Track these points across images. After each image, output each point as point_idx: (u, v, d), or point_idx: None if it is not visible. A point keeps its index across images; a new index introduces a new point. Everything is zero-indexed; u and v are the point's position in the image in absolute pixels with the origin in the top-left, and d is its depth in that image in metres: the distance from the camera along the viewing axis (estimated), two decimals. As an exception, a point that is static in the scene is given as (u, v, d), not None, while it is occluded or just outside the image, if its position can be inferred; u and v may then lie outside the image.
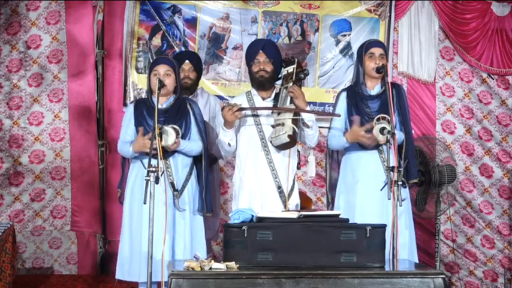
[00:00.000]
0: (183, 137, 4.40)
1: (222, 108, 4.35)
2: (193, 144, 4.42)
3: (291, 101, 4.29)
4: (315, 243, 3.47)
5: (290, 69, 4.41)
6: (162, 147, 4.15)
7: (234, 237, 3.47)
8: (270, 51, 4.44)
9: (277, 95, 4.44)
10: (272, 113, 4.39)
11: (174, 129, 4.29)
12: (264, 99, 4.46)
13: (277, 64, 4.45)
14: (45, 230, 6.03)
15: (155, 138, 4.00)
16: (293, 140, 4.24)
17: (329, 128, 4.63)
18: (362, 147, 4.42)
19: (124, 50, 6.14)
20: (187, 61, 5.02)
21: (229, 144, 4.40)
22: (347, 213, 4.26)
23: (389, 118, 4.22)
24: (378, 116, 4.37)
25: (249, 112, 4.41)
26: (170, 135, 4.24)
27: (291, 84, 4.34)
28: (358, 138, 4.37)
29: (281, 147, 4.33)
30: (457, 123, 6.56)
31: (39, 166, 6.01)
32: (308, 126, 4.35)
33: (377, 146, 4.40)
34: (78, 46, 6.05)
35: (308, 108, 4.37)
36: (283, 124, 4.25)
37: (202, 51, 6.27)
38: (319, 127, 4.57)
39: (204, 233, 4.55)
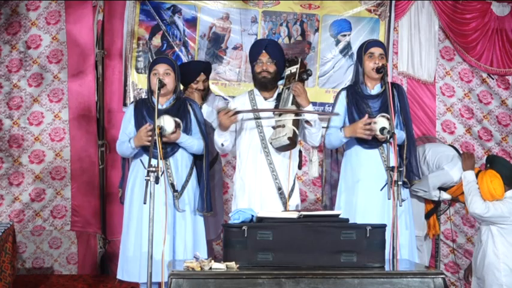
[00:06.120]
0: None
1: (218, 112, 4.35)
2: (195, 140, 4.41)
3: (293, 101, 4.29)
4: (315, 243, 3.47)
5: (293, 69, 4.40)
6: (163, 136, 4.15)
7: (234, 237, 3.46)
8: (273, 51, 4.43)
9: (279, 95, 4.44)
10: (274, 114, 4.38)
11: (175, 121, 4.28)
12: (266, 99, 4.46)
13: (280, 64, 4.44)
14: (45, 230, 6.03)
15: (155, 137, 4.00)
16: (293, 142, 4.23)
17: (326, 127, 4.62)
18: (360, 143, 4.42)
19: (124, 50, 6.15)
20: (202, 73, 5.12)
21: (222, 145, 4.42)
22: (347, 212, 4.27)
23: (389, 116, 4.23)
24: (380, 114, 4.36)
25: (250, 114, 4.39)
26: (169, 125, 4.21)
27: (293, 84, 4.33)
28: (356, 131, 4.33)
29: (281, 149, 4.32)
30: (457, 123, 6.57)
31: (39, 166, 6.01)
32: (311, 125, 4.34)
33: (378, 145, 4.39)
34: (78, 46, 6.05)
35: (310, 106, 4.36)
36: (283, 126, 4.24)
37: (202, 51, 6.27)
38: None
39: (205, 234, 4.55)
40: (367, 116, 4.32)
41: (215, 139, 4.44)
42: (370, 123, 4.29)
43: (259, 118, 4.40)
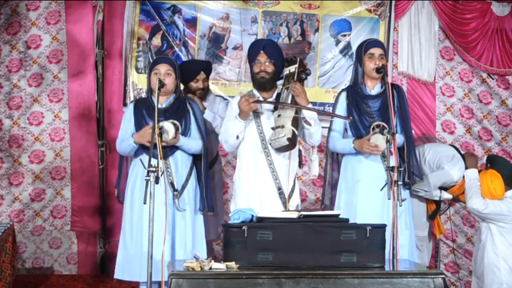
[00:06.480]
0: (183, 135, 4.40)
1: (240, 98, 4.33)
2: (193, 142, 4.42)
3: (292, 101, 4.28)
4: (315, 243, 3.47)
5: (292, 68, 4.40)
6: (163, 141, 4.16)
7: (234, 237, 3.47)
8: (271, 51, 4.42)
9: (278, 95, 4.44)
10: (273, 112, 4.38)
11: (174, 124, 4.28)
12: (265, 99, 4.45)
13: (279, 64, 4.44)
14: (45, 230, 6.03)
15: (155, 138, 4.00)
16: (292, 143, 4.23)
17: (329, 129, 4.63)
18: None
19: (124, 50, 6.15)
20: (202, 72, 5.11)
21: (237, 137, 4.36)
22: (347, 212, 4.27)
23: (384, 124, 4.25)
24: (373, 125, 4.37)
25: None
26: (169, 131, 4.23)
27: (292, 84, 4.33)
28: (362, 148, 4.37)
29: (280, 150, 4.32)
30: (457, 123, 6.57)
31: (39, 166, 6.01)
32: (310, 124, 4.34)
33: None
34: (78, 46, 6.05)
35: (310, 106, 4.36)
36: (282, 127, 4.23)
37: (202, 51, 6.27)
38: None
39: (206, 234, 4.55)
40: (372, 132, 4.33)
41: (230, 132, 4.37)
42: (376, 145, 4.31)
43: (259, 117, 4.40)
